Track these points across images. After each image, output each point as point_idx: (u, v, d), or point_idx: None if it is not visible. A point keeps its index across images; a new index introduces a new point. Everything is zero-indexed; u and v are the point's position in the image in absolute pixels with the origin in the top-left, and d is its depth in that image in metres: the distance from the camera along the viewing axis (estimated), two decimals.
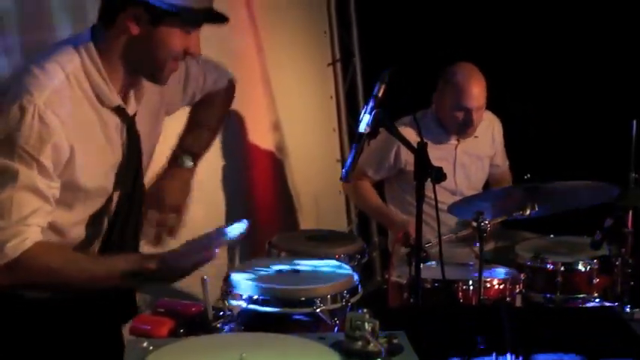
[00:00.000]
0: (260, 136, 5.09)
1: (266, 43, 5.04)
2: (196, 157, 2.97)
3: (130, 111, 2.56)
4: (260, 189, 5.06)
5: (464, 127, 4.23)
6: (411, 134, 2.95)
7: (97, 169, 2.51)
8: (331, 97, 5.91)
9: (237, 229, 2.47)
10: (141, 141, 2.61)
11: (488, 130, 4.45)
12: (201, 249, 2.43)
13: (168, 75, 2.56)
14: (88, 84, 2.44)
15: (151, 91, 2.65)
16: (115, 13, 2.43)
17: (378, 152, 4.19)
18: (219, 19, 2.52)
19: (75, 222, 2.56)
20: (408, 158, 4.01)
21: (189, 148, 2.96)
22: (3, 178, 2.33)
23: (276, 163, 5.22)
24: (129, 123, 2.56)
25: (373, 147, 4.17)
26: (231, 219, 4.55)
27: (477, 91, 4.17)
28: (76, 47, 2.45)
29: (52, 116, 2.33)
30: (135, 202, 2.65)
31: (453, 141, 4.30)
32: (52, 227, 2.48)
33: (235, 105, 4.81)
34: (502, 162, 4.61)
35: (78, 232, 2.58)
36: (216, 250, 2.41)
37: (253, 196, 4.96)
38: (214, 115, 3.08)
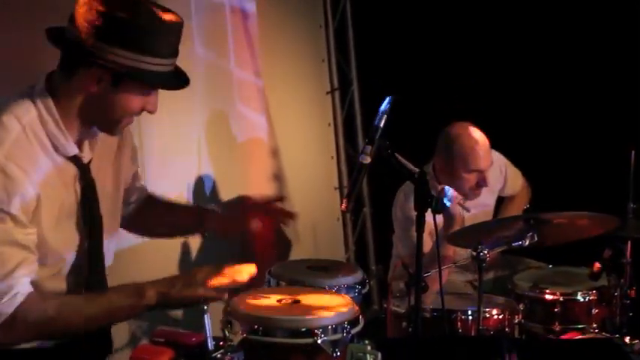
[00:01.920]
0: (258, 163, 5.09)
1: (265, 71, 5.05)
2: None
3: (85, 159, 2.56)
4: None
5: (478, 189, 4.11)
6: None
7: (60, 218, 2.50)
8: (329, 125, 5.92)
9: (245, 271, 2.48)
10: (96, 187, 2.60)
11: (495, 171, 4.39)
12: (204, 283, 2.45)
13: (123, 128, 2.59)
14: (45, 134, 2.44)
15: (109, 150, 2.68)
16: (75, 68, 2.42)
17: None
18: (181, 83, 2.54)
19: (49, 275, 2.52)
20: None
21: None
22: None
23: (274, 190, 5.21)
24: (83, 170, 2.55)
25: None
26: (228, 246, 4.59)
27: (484, 150, 4.07)
28: (32, 99, 2.45)
29: (15, 168, 2.34)
30: (97, 248, 2.64)
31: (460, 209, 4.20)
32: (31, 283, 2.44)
33: (233, 132, 4.85)
34: (513, 190, 4.60)
35: (53, 285, 2.55)
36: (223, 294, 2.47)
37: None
38: None
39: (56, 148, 2.47)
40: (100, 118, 2.50)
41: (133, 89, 2.44)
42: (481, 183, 4.08)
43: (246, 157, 4.92)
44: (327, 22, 5.87)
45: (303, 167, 5.49)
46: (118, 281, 2.77)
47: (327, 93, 5.90)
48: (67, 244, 2.55)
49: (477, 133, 4.09)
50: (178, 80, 2.54)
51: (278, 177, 5.23)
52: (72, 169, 2.53)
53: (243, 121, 4.95)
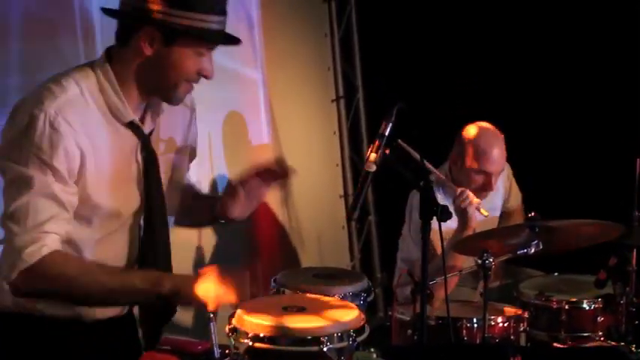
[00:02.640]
0: None
1: (270, 80, 5.07)
2: None
3: (146, 129, 2.59)
4: (262, 224, 5.06)
5: (482, 191, 4.09)
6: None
7: (114, 184, 2.53)
8: (335, 133, 5.93)
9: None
10: (158, 160, 2.63)
11: (503, 174, 4.38)
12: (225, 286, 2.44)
13: (183, 96, 2.60)
14: (103, 100, 2.49)
15: (175, 125, 2.71)
16: (129, 34, 2.48)
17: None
18: (232, 40, 2.56)
19: (95, 239, 2.56)
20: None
21: None
22: (18, 185, 2.35)
23: (279, 197, 5.21)
24: (144, 141, 2.59)
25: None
26: (233, 254, 4.60)
27: (498, 155, 4.08)
28: (92, 67, 2.52)
29: (62, 122, 2.37)
30: (158, 222, 2.66)
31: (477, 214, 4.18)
32: (72, 244, 2.49)
33: (239, 140, 4.86)
34: (515, 202, 4.59)
35: (101, 252, 2.58)
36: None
37: (256, 232, 4.96)
38: None
39: (115, 115, 2.51)
40: (157, 83, 2.53)
41: (185, 47, 2.47)
42: (486, 186, 4.08)
43: (251, 164, 4.92)
44: (333, 30, 5.89)
45: (308, 175, 5.49)
46: None
47: (333, 101, 5.91)
48: (123, 208, 2.58)
49: (496, 137, 4.12)
50: (228, 37, 2.55)
51: (282, 185, 5.23)
52: (132, 139, 2.56)
53: (248, 129, 4.96)
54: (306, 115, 5.62)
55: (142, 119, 2.59)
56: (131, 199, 2.60)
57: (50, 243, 2.37)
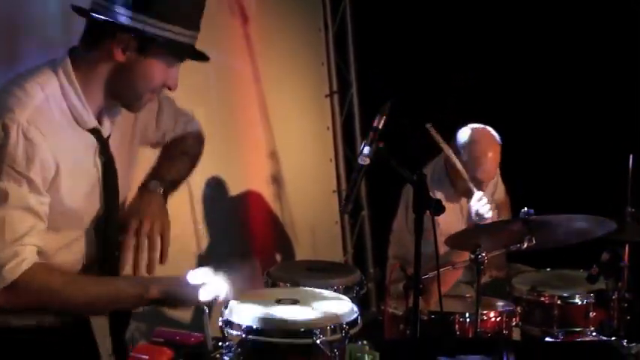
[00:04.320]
0: (257, 166, 5.10)
1: (264, 74, 5.06)
2: (167, 184, 2.84)
3: (105, 133, 2.57)
4: (256, 218, 5.06)
5: (472, 194, 4.07)
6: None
7: (80, 189, 2.51)
8: (328, 128, 5.93)
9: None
10: (115, 163, 2.61)
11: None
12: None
13: (144, 105, 2.59)
14: (66, 105, 2.46)
15: (124, 119, 2.67)
16: (100, 38, 2.44)
17: None
18: (201, 57, 2.56)
19: (60, 246, 2.54)
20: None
21: (160, 175, 2.87)
22: None
23: (273, 192, 5.22)
24: (103, 144, 2.57)
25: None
26: (227, 248, 4.60)
27: (491, 161, 4.10)
28: (54, 69, 2.47)
29: (36, 133, 2.35)
30: (111, 223, 2.64)
31: (463, 201, 4.22)
32: (41, 253, 2.45)
33: (233, 135, 4.86)
34: (499, 196, 4.59)
35: (62, 257, 2.55)
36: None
37: (249, 226, 4.96)
38: (186, 149, 3.04)
39: (76, 120, 2.48)
40: (124, 90, 2.51)
41: (158, 57, 2.46)
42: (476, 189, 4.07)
43: (244, 159, 4.93)
44: (327, 25, 5.88)
45: (301, 170, 5.50)
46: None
47: (326, 96, 5.91)
48: (86, 211, 2.56)
49: (490, 142, 4.10)
50: (199, 53, 2.55)
51: (276, 179, 5.24)
52: (92, 142, 2.54)
53: (242, 124, 4.96)
54: (300, 110, 5.62)
55: (100, 121, 2.56)
56: (93, 203, 2.59)
57: (29, 256, 2.36)
